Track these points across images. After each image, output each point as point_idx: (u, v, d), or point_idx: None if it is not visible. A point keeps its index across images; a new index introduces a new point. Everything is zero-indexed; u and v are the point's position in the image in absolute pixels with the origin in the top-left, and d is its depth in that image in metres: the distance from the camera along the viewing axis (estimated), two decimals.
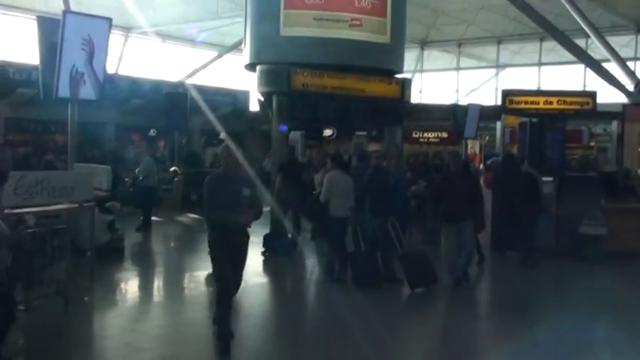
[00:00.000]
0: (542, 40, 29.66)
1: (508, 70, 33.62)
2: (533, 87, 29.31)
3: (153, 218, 15.19)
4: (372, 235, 9.97)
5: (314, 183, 12.09)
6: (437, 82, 35.48)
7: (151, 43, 28.61)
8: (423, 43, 33.30)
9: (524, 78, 32.93)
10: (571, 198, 12.33)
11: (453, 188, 9.55)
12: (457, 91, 33.35)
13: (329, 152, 17.50)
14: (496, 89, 30.94)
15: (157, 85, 23.55)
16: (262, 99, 17.38)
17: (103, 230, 10.87)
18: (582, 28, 20.67)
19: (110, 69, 13.74)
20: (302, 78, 16.15)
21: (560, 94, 20.62)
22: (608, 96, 22.47)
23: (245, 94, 26.85)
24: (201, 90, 22.21)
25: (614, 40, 23.00)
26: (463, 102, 25.83)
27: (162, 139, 25.61)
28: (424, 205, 12.77)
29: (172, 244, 14.65)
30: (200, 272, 11.02)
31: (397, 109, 18.11)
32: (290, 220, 12.77)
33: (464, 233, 9.50)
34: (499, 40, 31.82)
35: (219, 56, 27.78)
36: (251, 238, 6.73)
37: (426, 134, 28.54)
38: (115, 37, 24.41)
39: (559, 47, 22.65)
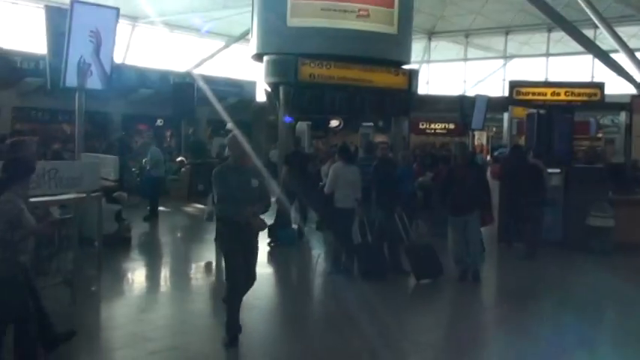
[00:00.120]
0: (550, 30, 29.54)
1: (516, 60, 33.52)
2: (541, 78, 29.21)
3: (160, 208, 15.23)
4: (379, 226, 9.97)
5: (321, 174, 12.10)
6: (444, 72, 35.41)
7: (159, 32, 28.59)
8: (431, 34, 33.19)
9: (531, 69, 32.84)
10: (579, 189, 12.29)
11: (459, 181, 9.48)
12: (464, 81, 33.26)
13: (336, 143, 17.51)
14: (503, 80, 30.85)
15: (164, 75, 23.51)
16: (269, 89, 17.39)
17: (110, 220, 10.92)
18: (590, 19, 20.54)
19: (117, 59, 13.74)
20: (309, 69, 16.15)
21: (568, 86, 20.56)
22: (617, 87, 22.38)
23: (252, 85, 26.83)
24: (209, 80, 22.21)
25: (623, 31, 22.85)
26: (470, 93, 25.76)
27: (169, 129, 25.64)
28: (431, 196, 12.76)
29: (179, 234, 14.68)
30: (207, 262, 11.08)
31: (404, 100, 18.09)
32: (296, 211, 12.78)
33: (469, 226, 9.44)
34: (507, 31, 31.70)
35: (227, 46, 27.74)
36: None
37: (432, 125, 28.55)
38: (122, 27, 24.37)
39: (567, 38, 22.56)
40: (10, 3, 24.79)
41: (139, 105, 22.97)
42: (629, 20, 26.95)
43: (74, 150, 11.28)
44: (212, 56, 27.45)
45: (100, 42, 9.70)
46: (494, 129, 28.63)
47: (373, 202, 9.97)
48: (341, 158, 10.07)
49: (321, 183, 11.21)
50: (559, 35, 27.05)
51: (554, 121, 15.38)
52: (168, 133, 25.67)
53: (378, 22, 16.89)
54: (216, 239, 11.00)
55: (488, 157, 21.87)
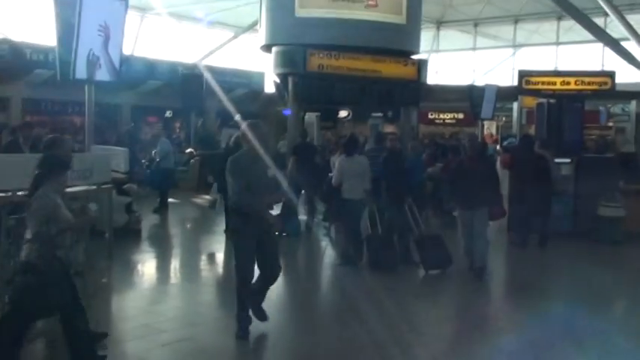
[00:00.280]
0: (559, 19, 29.30)
1: (525, 49, 33.26)
2: (551, 67, 28.99)
3: (169, 200, 15.29)
4: (389, 217, 9.97)
5: (330, 165, 12.11)
6: (453, 62, 35.22)
7: (167, 23, 28.55)
8: (439, 23, 33.00)
9: (541, 58, 32.59)
10: (589, 179, 12.24)
11: (467, 175, 9.30)
12: (474, 71, 33.10)
13: (345, 134, 17.49)
14: (513, 69, 30.63)
15: (173, 67, 23.52)
16: (278, 80, 17.37)
17: (120, 212, 10.97)
18: (601, 7, 20.32)
19: (126, 50, 13.74)
20: (317, 59, 16.13)
21: (578, 75, 20.38)
22: (628, 75, 22.20)
23: (260, 76, 26.79)
24: (217, 71, 22.18)
25: (634, 19, 22.60)
26: (479, 82, 25.63)
27: (178, 121, 25.66)
28: (440, 187, 12.73)
29: (189, 226, 14.73)
30: (217, 254, 11.12)
31: (414, 91, 18.04)
32: (304, 203, 12.78)
33: (476, 223, 9.23)
34: (516, 20, 31.46)
35: (235, 37, 27.69)
36: None
37: (442, 115, 28.45)
38: (131, 18, 24.33)
39: (577, 26, 22.32)
40: None
41: (147, 96, 23.00)
42: None
43: (84, 142, 11.30)
44: (221, 47, 27.41)
45: (108, 36, 9.69)
46: (503, 119, 28.48)
47: (383, 193, 9.95)
48: (344, 150, 10.07)
49: (330, 174, 11.22)
50: (569, 24, 26.81)
51: (564, 110, 15.31)
52: (177, 125, 25.70)
53: (387, 12, 16.83)
54: (226, 230, 11.05)
55: (498, 147, 21.75)
